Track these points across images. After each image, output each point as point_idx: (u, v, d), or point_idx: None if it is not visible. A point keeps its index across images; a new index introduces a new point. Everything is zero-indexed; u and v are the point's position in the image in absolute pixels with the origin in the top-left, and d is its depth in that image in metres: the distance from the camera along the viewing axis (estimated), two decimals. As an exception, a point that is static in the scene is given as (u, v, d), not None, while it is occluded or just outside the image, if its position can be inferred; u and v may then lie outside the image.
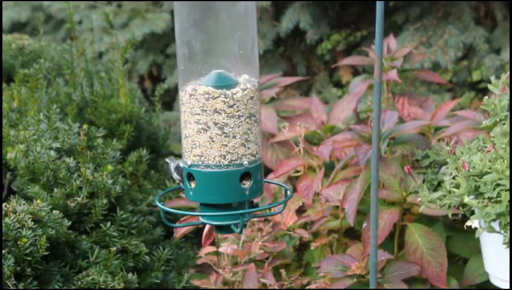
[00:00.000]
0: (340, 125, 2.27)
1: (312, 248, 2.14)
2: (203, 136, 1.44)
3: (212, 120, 1.43)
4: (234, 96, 1.43)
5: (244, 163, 1.45)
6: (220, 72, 1.45)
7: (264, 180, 1.55)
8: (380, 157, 1.99)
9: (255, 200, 1.53)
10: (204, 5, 1.43)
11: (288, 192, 1.57)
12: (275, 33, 3.27)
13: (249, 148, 1.45)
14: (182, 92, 1.47)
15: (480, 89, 3.09)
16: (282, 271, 2.09)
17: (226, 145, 1.44)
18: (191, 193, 1.49)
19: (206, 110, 1.43)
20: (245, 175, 1.46)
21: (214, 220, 1.49)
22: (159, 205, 1.53)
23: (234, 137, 1.44)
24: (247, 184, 1.46)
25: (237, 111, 1.44)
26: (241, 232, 1.48)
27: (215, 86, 1.43)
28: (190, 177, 1.48)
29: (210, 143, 1.44)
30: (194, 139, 1.45)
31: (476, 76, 3.12)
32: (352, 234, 2.17)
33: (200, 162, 1.45)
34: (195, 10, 1.43)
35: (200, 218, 1.52)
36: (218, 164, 1.45)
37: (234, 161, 1.44)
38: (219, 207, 1.47)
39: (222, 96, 1.43)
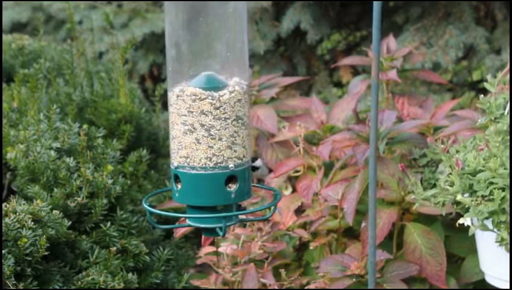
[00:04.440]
0: (340, 125, 2.27)
1: (311, 247, 2.15)
2: (189, 137, 1.44)
3: (198, 122, 1.43)
4: (221, 98, 1.42)
5: (230, 166, 1.44)
6: (209, 74, 1.44)
7: (252, 184, 1.54)
8: (379, 157, 2.00)
9: (245, 203, 1.53)
10: (193, 6, 1.42)
11: (278, 196, 1.56)
12: (275, 33, 3.27)
13: (235, 151, 1.45)
14: (170, 93, 1.47)
15: (480, 89, 3.09)
16: (282, 271, 2.09)
17: (211, 147, 1.43)
18: (177, 195, 1.48)
19: (192, 112, 1.43)
20: (231, 178, 1.45)
21: (199, 223, 1.48)
22: (145, 206, 1.52)
23: (220, 139, 1.43)
24: (233, 187, 1.45)
25: (224, 113, 1.43)
26: (224, 235, 1.47)
27: (203, 88, 1.42)
28: (176, 178, 1.48)
29: (196, 145, 1.43)
30: (180, 141, 1.45)
31: (476, 76, 3.12)
32: (351, 234, 2.18)
33: (186, 164, 1.45)
34: (184, 11, 1.43)
35: (187, 220, 1.51)
36: (203, 166, 1.44)
37: (220, 163, 1.44)
38: (204, 210, 1.46)
39: (209, 98, 1.42)
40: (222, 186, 1.45)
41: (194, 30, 1.43)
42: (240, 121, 1.45)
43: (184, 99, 1.43)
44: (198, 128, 1.43)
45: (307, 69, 3.43)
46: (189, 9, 1.42)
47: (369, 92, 2.51)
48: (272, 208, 1.56)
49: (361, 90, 2.31)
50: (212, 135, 1.43)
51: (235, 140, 1.44)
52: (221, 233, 1.46)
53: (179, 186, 1.47)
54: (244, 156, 1.46)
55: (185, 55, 1.45)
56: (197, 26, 1.43)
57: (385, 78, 2.27)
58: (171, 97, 1.46)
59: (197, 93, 1.43)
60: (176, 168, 1.46)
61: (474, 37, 2.98)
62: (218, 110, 1.43)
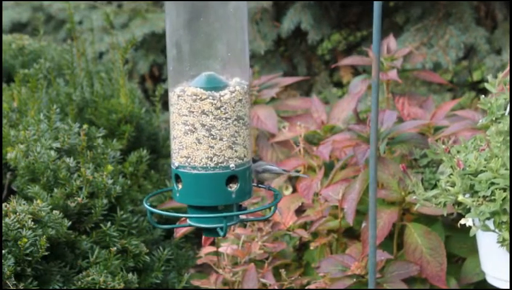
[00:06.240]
0: (341, 125, 2.27)
1: (311, 248, 2.15)
2: (189, 137, 1.44)
3: (199, 122, 1.43)
4: (222, 98, 1.42)
5: (230, 166, 1.44)
6: (209, 74, 1.44)
7: (253, 184, 1.54)
8: (379, 157, 2.00)
9: (246, 203, 1.52)
10: (193, 6, 1.42)
11: (278, 196, 1.56)
12: (275, 33, 3.27)
13: (236, 151, 1.45)
14: (171, 93, 1.47)
15: (481, 89, 3.09)
16: (282, 271, 2.09)
17: (212, 147, 1.43)
18: (177, 195, 1.48)
19: (193, 112, 1.43)
20: (232, 178, 1.45)
21: (200, 223, 1.48)
22: (146, 205, 1.52)
23: (221, 139, 1.43)
24: (233, 187, 1.45)
25: (224, 113, 1.43)
26: (224, 235, 1.47)
27: (204, 88, 1.42)
28: (177, 178, 1.47)
29: (197, 145, 1.43)
30: (181, 141, 1.45)
31: (476, 76, 3.12)
32: (352, 234, 2.17)
33: (187, 164, 1.45)
34: (184, 11, 1.43)
35: (187, 220, 1.51)
36: (204, 166, 1.44)
37: (220, 163, 1.44)
38: (205, 209, 1.46)
39: (210, 98, 1.42)
40: (223, 186, 1.44)
41: (195, 30, 1.43)
42: (240, 121, 1.45)
43: (185, 99, 1.43)
44: (199, 128, 1.43)
45: (307, 69, 3.43)
46: (189, 9, 1.42)
47: (369, 92, 2.51)
48: (272, 208, 1.56)
49: (362, 91, 2.31)
50: (213, 135, 1.43)
51: (236, 140, 1.44)
52: (221, 233, 1.46)
53: (180, 186, 1.47)
54: (245, 156, 1.46)
55: (186, 55, 1.45)
56: (198, 26, 1.43)
57: (385, 78, 2.27)
58: (172, 97, 1.46)
59: (198, 93, 1.43)
60: (177, 168, 1.46)
61: (474, 37, 2.98)
62: (219, 110, 1.43)
